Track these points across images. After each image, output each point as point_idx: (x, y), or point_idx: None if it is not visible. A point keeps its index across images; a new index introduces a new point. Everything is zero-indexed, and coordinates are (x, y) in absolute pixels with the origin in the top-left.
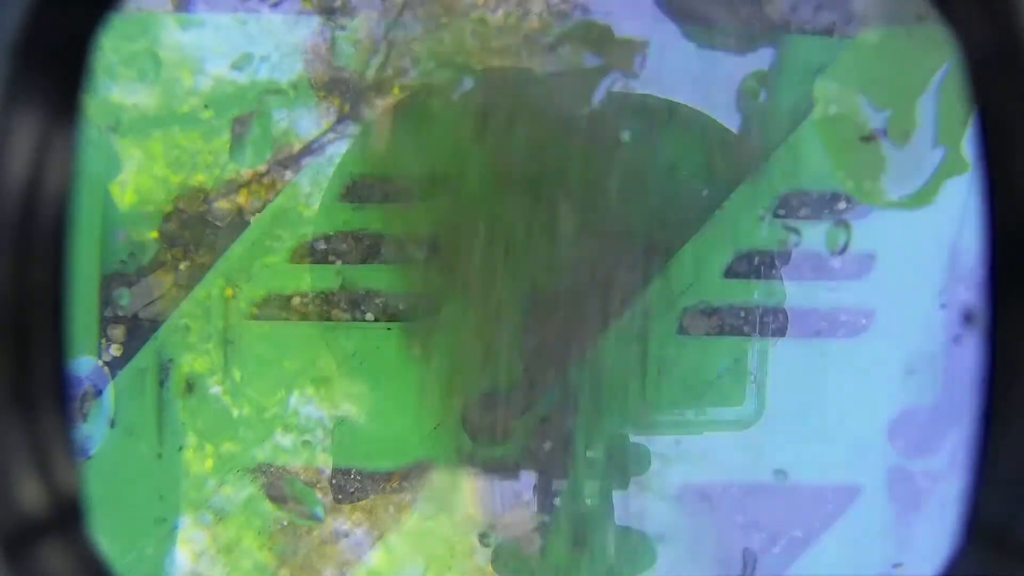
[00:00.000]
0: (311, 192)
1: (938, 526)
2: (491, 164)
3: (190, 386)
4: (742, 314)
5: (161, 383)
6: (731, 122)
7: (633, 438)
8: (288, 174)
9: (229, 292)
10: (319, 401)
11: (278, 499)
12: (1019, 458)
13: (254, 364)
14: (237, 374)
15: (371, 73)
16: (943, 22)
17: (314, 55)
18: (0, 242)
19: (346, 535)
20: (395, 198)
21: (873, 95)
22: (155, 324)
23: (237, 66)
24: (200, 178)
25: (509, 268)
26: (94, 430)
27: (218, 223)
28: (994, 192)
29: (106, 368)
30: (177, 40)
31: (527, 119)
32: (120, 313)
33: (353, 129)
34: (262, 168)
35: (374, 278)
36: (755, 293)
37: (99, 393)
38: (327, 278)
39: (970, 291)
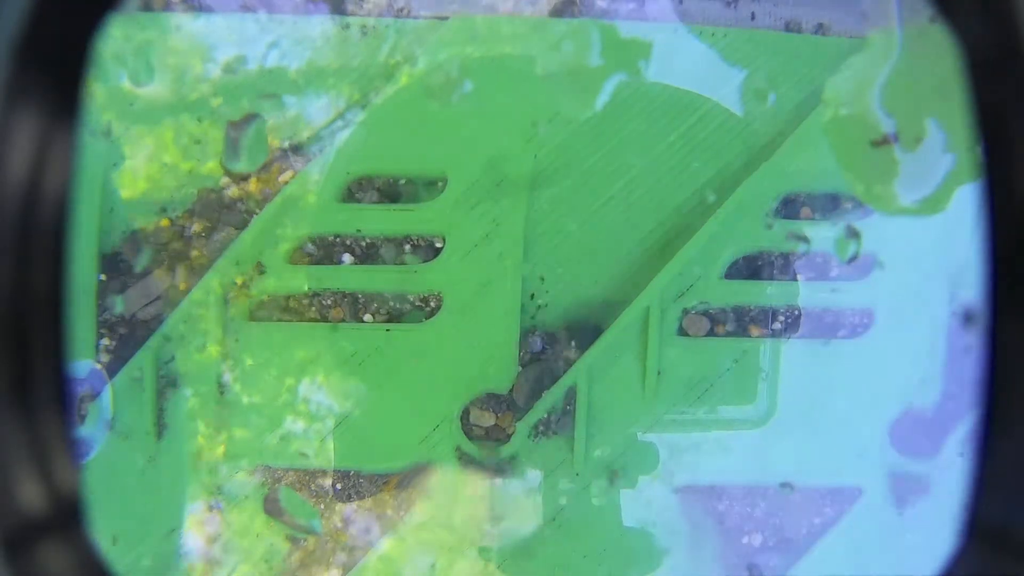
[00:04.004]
0: (320, 180)
1: (938, 527)
2: (490, 164)
3: (198, 375)
4: (742, 315)
5: (162, 377)
6: (735, 123)
7: (641, 437)
8: (298, 162)
9: (240, 280)
10: (316, 404)
11: (274, 513)
12: (1019, 458)
13: (251, 366)
14: (233, 376)
15: (380, 61)
16: (944, 22)
17: (323, 43)
18: (0, 242)
19: (356, 523)
20: (394, 198)
21: (884, 99)
22: (153, 325)
23: (247, 54)
24: (211, 166)
25: (510, 267)
26: (93, 431)
27: (214, 224)
28: (994, 191)
29: (104, 370)
30: (187, 28)
31: (526, 120)
32: (117, 316)
33: (356, 123)
34: (271, 157)
35: (373, 279)
36: (759, 294)
37: (97, 394)
38: (326, 279)
39: (969, 293)
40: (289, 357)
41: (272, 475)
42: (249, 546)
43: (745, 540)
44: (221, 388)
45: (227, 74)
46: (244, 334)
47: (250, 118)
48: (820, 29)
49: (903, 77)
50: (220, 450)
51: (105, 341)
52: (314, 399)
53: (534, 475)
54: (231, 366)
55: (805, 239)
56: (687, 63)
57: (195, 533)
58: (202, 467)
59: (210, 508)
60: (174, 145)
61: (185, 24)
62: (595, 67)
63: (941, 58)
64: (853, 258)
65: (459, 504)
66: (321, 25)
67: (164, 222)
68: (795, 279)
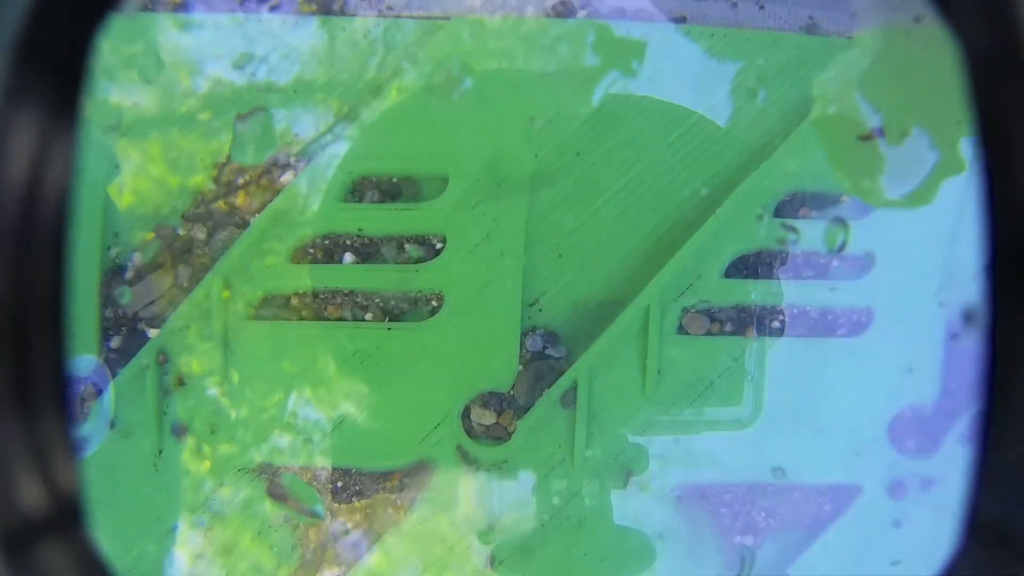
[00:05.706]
0: (309, 194)
1: (938, 526)
2: (491, 164)
3: (188, 388)
4: (742, 314)
5: (161, 383)
6: (729, 122)
7: (631, 438)
8: (286, 176)
9: (226, 294)
10: (317, 403)
11: (279, 497)
12: (1019, 458)
13: (253, 365)
14: (235, 375)
15: (368, 75)
16: (943, 22)
17: (312, 57)
18: (0, 242)
19: (345, 534)
20: (395, 198)
21: (871, 95)
22: (155, 324)
23: (235, 68)
24: (198, 180)
25: (511, 266)
26: (94, 430)
27: (215, 225)
28: (994, 191)
29: (106, 368)
30: (175, 42)
31: (526, 119)
32: (120, 312)
33: (351, 131)
34: (259, 170)
35: (374, 278)
36: (753, 293)
37: (99, 393)
38: (327, 278)
39: (968, 290)
40: (281, 368)
41: (272, 472)
42: (233, 563)
43: (743, 537)
44: (223, 386)
45: (215, 87)
46: (242, 336)
47: (256, 111)
48: (810, 28)
49: (890, 74)
50: (205, 465)
51: (107, 338)
52: (315, 398)
53: (534, 473)
54: (233, 364)
55: (795, 230)
56: (680, 62)
57: (179, 550)
58: (187, 482)
59: (193, 525)
60: (161, 159)
61: (172, 36)
62: (591, 67)
63: (927, 56)
64: (842, 247)
65: (455, 504)
66: (310, 38)
67: (149, 235)
68: (792, 277)
